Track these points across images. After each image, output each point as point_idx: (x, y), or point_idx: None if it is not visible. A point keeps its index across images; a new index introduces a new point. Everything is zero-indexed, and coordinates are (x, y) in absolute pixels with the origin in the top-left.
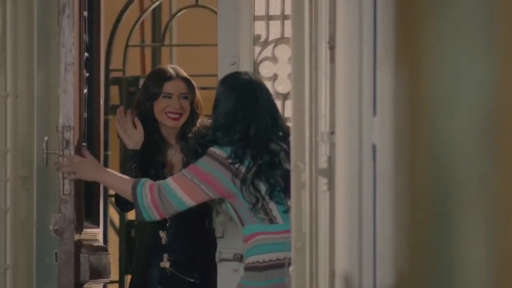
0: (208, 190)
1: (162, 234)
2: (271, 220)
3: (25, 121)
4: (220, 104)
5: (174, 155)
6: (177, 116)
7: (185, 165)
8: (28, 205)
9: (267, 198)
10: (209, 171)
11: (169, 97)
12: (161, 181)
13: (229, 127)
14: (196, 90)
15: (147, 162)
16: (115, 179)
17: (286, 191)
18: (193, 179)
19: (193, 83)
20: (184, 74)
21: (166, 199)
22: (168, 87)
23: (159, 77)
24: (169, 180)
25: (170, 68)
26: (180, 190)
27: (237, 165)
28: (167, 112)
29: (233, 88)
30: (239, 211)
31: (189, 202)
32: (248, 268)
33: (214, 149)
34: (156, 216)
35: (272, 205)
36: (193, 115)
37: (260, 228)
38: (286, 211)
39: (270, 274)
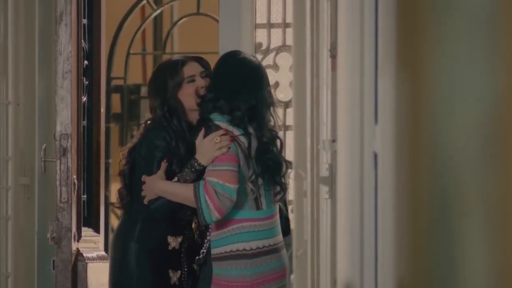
0: (237, 168)
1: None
2: (258, 206)
3: (27, 129)
4: (224, 78)
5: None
6: (204, 95)
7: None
8: (29, 213)
9: (260, 180)
10: (233, 150)
11: (193, 80)
12: (208, 180)
13: (232, 100)
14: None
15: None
16: (176, 188)
17: (274, 179)
18: (230, 167)
19: (204, 59)
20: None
21: (221, 194)
22: (188, 70)
23: (173, 66)
24: (209, 177)
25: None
26: (226, 184)
27: (242, 137)
28: (196, 93)
29: (238, 67)
30: None
31: (236, 188)
32: (231, 257)
33: (220, 124)
34: (216, 215)
35: (261, 190)
36: None
37: (246, 214)
38: (273, 200)
39: (259, 261)
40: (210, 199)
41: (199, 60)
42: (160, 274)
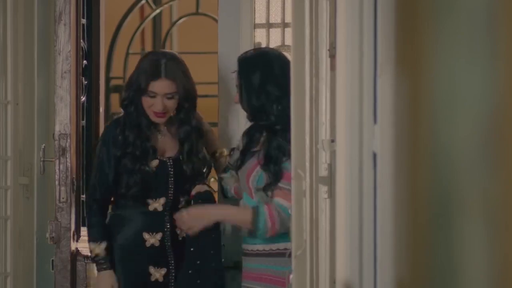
0: None
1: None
2: None
3: (26, 129)
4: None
5: (164, 138)
6: (161, 114)
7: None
8: (28, 213)
9: None
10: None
11: (154, 97)
12: (276, 204)
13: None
14: (186, 82)
15: (141, 149)
16: (231, 212)
17: None
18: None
19: (181, 79)
20: (174, 69)
21: (283, 217)
22: (153, 86)
23: (147, 74)
24: (281, 200)
25: (162, 62)
26: (288, 204)
27: None
28: (152, 110)
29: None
30: None
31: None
32: (286, 254)
33: None
34: (270, 235)
35: None
36: (185, 104)
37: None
38: None
39: None
40: (272, 222)
41: (174, 80)
42: (137, 270)
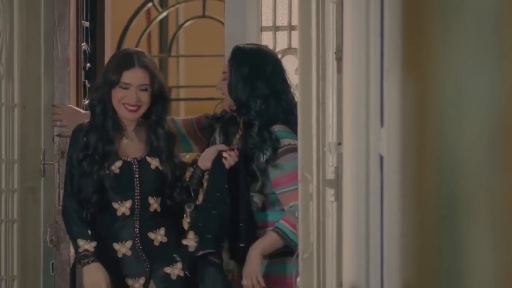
0: None
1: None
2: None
3: (33, 132)
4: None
5: (130, 144)
6: (134, 108)
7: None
8: (35, 216)
9: None
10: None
11: (127, 88)
12: (294, 207)
13: (277, 101)
14: (160, 78)
15: (102, 152)
16: (268, 243)
17: None
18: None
19: (156, 72)
20: (147, 61)
21: None
22: (126, 77)
23: (120, 64)
24: (294, 202)
25: (135, 54)
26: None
27: None
28: (124, 103)
29: (273, 60)
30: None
31: None
32: (288, 253)
33: (290, 141)
34: None
35: None
36: (158, 103)
37: (283, 214)
38: None
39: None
40: (295, 227)
41: (148, 70)
42: (114, 284)
